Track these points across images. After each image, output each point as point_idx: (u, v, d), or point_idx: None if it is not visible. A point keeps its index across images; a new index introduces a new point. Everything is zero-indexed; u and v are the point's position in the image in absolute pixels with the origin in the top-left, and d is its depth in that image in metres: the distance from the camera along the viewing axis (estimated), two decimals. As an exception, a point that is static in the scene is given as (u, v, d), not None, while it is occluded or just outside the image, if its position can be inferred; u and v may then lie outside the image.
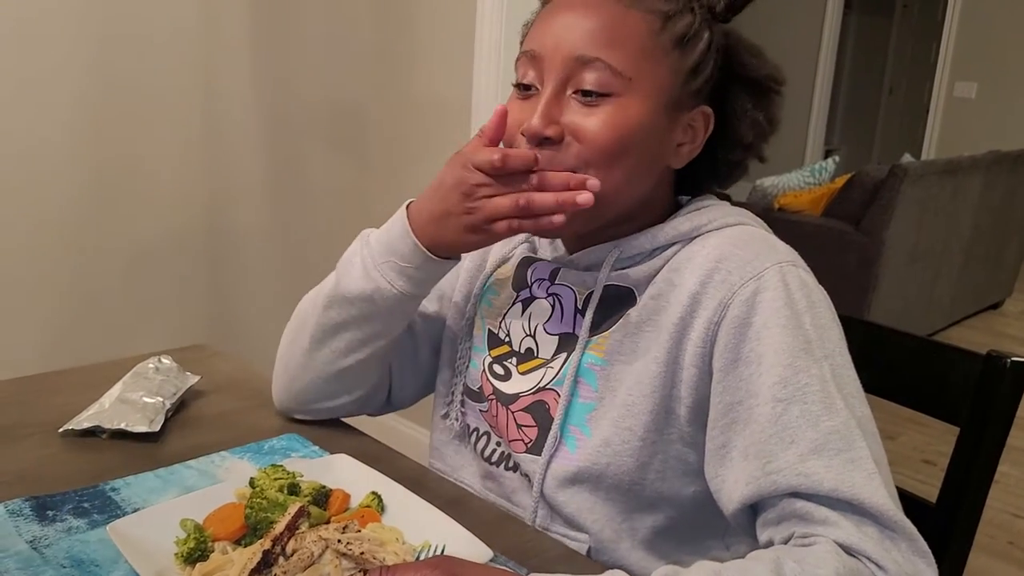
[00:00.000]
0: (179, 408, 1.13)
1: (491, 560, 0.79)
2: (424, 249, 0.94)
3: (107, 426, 1.04)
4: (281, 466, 0.90)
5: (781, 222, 3.65)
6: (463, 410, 1.06)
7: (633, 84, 0.87)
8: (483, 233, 0.90)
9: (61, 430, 1.04)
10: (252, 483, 0.87)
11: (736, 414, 0.84)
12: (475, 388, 1.04)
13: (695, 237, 0.93)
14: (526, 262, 1.04)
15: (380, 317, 0.99)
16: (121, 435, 1.04)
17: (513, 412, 0.99)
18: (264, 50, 2.34)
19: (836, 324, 0.87)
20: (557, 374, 0.96)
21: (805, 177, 4.22)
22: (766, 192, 4.10)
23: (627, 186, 0.91)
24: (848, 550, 0.74)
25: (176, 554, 0.78)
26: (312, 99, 2.46)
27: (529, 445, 0.97)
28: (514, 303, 1.03)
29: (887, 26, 8.56)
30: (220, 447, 1.03)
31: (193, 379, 1.17)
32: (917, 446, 3.13)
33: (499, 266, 1.07)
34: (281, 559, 0.75)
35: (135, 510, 0.88)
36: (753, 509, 0.83)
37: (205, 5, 2.18)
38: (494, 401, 1.01)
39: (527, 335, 1.00)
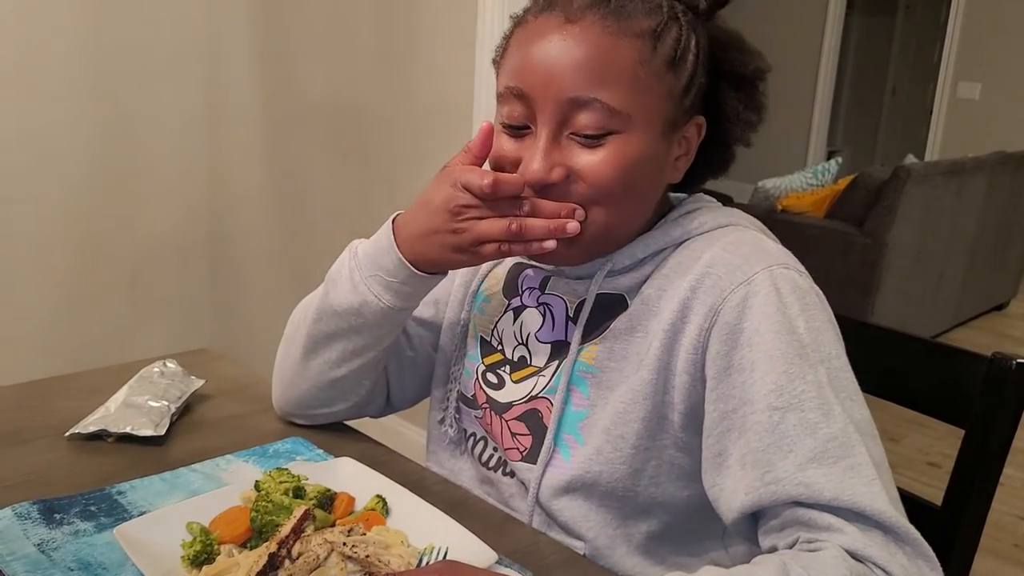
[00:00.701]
0: (184, 412, 1.13)
1: (496, 563, 0.79)
2: (409, 265, 0.93)
3: (113, 430, 1.04)
4: (286, 469, 0.90)
5: (784, 224, 3.65)
6: (458, 416, 1.06)
7: (631, 119, 0.85)
8: (470, 254, 0.89)
9: (67, 434, 1.04)
10: (257, 486, 0.87)
11: (731, 422, 0.83)
12: (469, 395, 1.04)
13: (684, 241, 0.92)
14: (517, 268, 1.03)
15: (369, 329, 0.99)
16: (127, 439, 1.04)
17: (507, 421, 0.99)
18: (266, 53, 2.34)
19: (832, 326, 0.86)
20: (549, 382, 0.96)
21: (808, 179, 4.22)
22: (768, 194, 4.10)
23: (633, 215, 0.91)
24: (854, 556, 0.74)
25: (182, 557, 0.78)
26: (314, 101, 2.46)
27: (524, 453, 0.97)
28: (505, 311, 1.02)
29: (890, 27, 8.55)
30: (225, 451, 1.03)
31: (198, 383, 1.18)
32: (921, 448, 3.13)
33: (490, 270, 1.06)
34: (287, 562, 0.75)
35: (141, 513, 0.88)
36: (753, 516, 0.83)
37: (208, 8, 2.19)
38: (487, 410, 1.01)
39: (520, 343, 1.00)
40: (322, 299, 1.01)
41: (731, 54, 0.92)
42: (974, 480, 0.97)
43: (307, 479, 0.90)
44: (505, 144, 0.89)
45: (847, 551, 0.74)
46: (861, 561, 0.74)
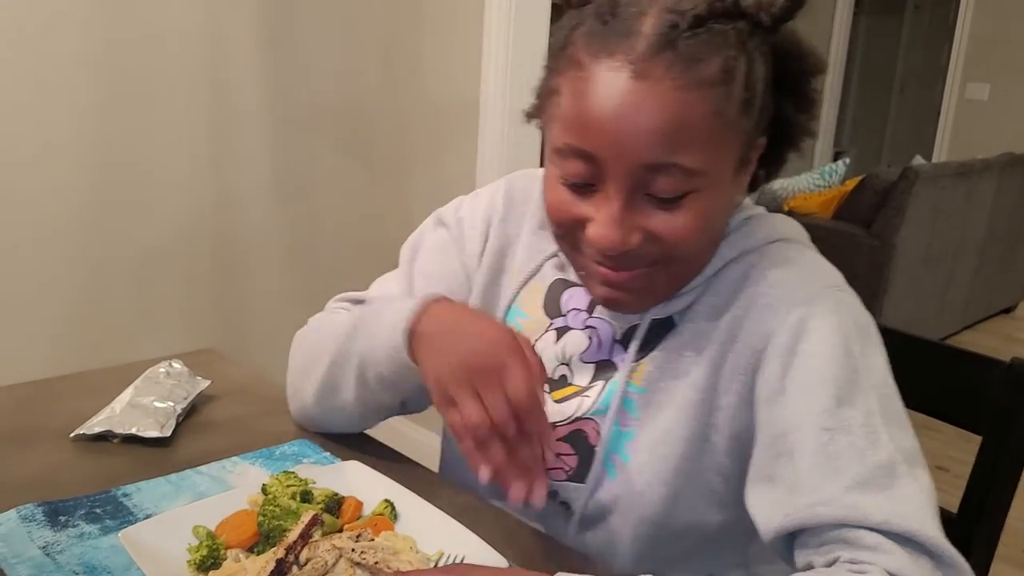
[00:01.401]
0: (190, 413, 1.12)
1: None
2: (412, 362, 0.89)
3: (118, 431, 1.03)
4: (293, 473, 0.89)
5: (792, 225, 3.63)
6: None
7: (709, 175, 0.80)
8: (449, 423, 0.82)
9: (72, 435, 1.03)
10: (264, 490, 0.87)
11: (782, 446, 0.79)
12: None
13: (737, 258, 0.89)
14: (560, 285, 0.99)
15: (370, 410, 1.00)
16: (132, 440, 1.03)
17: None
18: (271, 52, 2.33)
19: (883, 351, 0.84)
20: (595, 403, 0.93)
21: (815, 180, 4.20)
22: (775, 195, 4.08)
23: (707, 258, 0.88)
24: None
25: (188, 561, 0.77)
26: (320, 101, 2.46)
27: (570, 473, 0.94)
28: (547, 330, 0.98)
29: (898, 27, 8.52)
30: (231, 452, 1.02)
31: (204, 384, 1.17)
32: (930, 451, 3.08)
33: (523, 285, 1.01)
34: (295, 568, 0.74)
35: (147, 516, 0.87)
36: (789, 535, 0.79)
37: (211, 6, 2.18)
38: None
39: (561, 363, 0.97)
40: (328, 370, 1.00)
41: (790, 62, 0.86)
42: (991, 488, 0.95)
43: (314, 483, 0.89)
44: (567, 199, 0.83)
45: (893, 574, 0.71)
46: None
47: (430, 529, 0.84)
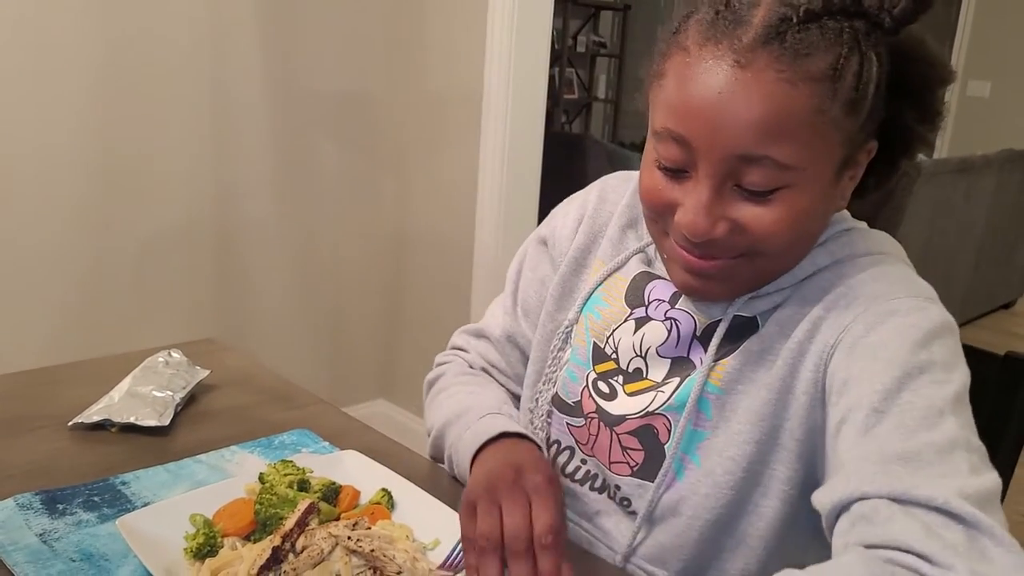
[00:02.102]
0: (189, 402, 1.13)
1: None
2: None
3: (117, 420, 1.03)
4: (291, 462, 0.90)
5: (792, 220, 3.63)
6: (548, 421, 1.00)
7: (804, 172, 0.77)
8: (462, 531, 0.78)
9: (70, 423, 1.04)
10: (262, 479, 0.87)
11: (841, 433, 0.75)
12: (571, 402, 0.98)
13: (828, 265, 0.86)
14: (644, 277, 0.96)
15: None
16: (131, 429, 1.04)
17: (618, 434, 0.94)
18: (273, 42, 2.33)
19: (965, 366, 0.78)
20: (668, 399, 0.91)
21: (816, 175, 4.20)
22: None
23: (799, 257, 0.86)
24: (910, 551, 0.65)
25: (185, 549, 0.78)
26: (321, 91, 2.46)
27: (635, 469, 0.92)
28: (626, 320, 0.96)
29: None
30: (230, 441, 1.03)
31: (203, 373, 1.17)
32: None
33: (609, 275, 0.99)
34: (291, 556, 0.74)
35: (144, 504, 0.87)
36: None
37: (216, -3, 2.18)
38: (595, 420, 0.96)
39: (637, 355, 0.94)
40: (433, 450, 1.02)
41: (914, 67, 0.81)
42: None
43: (312, 472, 0.89)
44: (660, 183, 0.83)
45: (899, 547, 0.65)
46: (923, 558, 0.64)
47: (427, 518, 0.84)
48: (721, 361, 0.88)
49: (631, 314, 0.95)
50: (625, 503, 0.93)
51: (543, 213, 1.34)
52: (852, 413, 0.75)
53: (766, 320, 0.87)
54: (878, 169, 0.88)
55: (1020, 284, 5.09)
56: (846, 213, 0.92)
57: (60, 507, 0.87)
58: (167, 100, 2.17)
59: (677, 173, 0.81)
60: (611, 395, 0.95)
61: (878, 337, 0.78)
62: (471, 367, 1.11)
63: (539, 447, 0.92)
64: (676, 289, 0.92)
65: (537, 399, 1.01)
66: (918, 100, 0.83)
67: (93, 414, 1.04)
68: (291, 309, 2.56)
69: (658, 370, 0.93)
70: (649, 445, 0.91)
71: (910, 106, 0.83)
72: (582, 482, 0.97)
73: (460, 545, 0.78)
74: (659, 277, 0.95)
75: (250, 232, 2.41)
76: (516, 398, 1.07)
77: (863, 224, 0.92)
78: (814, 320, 0.82)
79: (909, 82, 0.82)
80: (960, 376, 0.76)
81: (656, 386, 0.92)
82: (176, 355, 1.17)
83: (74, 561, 0.78)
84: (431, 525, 0.83)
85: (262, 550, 0.74)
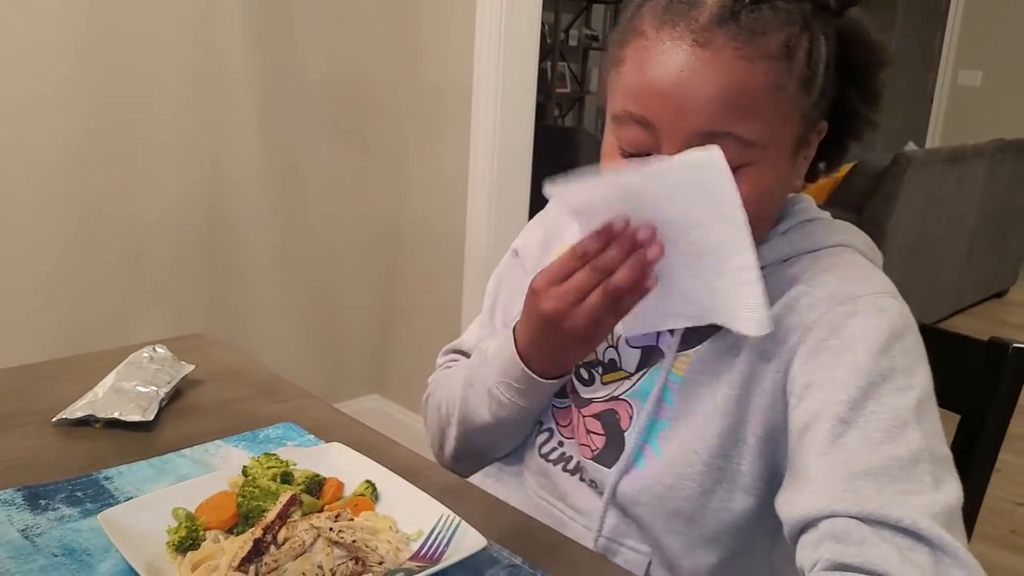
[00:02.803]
0: (174, 397, 1.12)
1: (485, 548, 0.78)
2: (536, 376, 0.93)
3: (101, 415, 1.03)
4: (274, 454, 0.89)
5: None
6: None
7: (765, 149, 0.80)
8: (603, 326, 0.84)
9: (54, 419, 1.03)
10: (244, 471, 0.86)
11: (805, 439, 0.77)
12: None
13: (791, 258, 0.88)
14: None
15: (509, 424, 1.00)
16: (115, 424, 1.03)
17: (584, 416, 0.96)
18: (265, 36, 2.32)
19: (926, 363, 0.81)
20: (634, 385, 0.93)
21: (808, 166, 4.19)
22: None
23: (759, 235, 0.85)
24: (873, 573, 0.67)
25: (167, 543, 0.77)
26: (312, 84, 2.45)
27: (595, 453, 0.94)
28: None
29: (891, 14, 8.51)
30: (215, 436, 1.02)
31: (188, 368, 1.17)
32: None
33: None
34: (272, 548, 0.74)
35: (128, 499, 0.87)
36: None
37: (204, -9, 2.17)
38: (571, 404, 0.99)
39: (610, 345, 0.96)
40: (462, 405, 1.01)
41: (855, 49, 0.85)
42: (970, 465, 0.96)
43: (296, 464, 0.89)
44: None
45: (874, 572, 0.67)
46: None
47: (411, 509, 0.84)
48: (688, 352, 0.89)
49: None
50: (593, 484, 0.95)
51: (535, 206, 1.34)
52: (817, 421, 0.76)
53: None
54: (828, 151, 0.90)
55: (1012, 273, 5.10)
56: (811, 203, 0.94)
57: (43, 503, 0.86)
58: (157, 93, 2.16)
59: (640, 158, 0.81)
60: (589, 381, 0.97)
61: (840, 342, 0.79)
62: None
63: None
64: None
65: None
66: (861, 82, 0.86)
67: (77, 410, 1.04)
68: (283, 304, 2.55)
69: (630, 360, 0.94)
70: (610, 430, 0.94)
71: (854, 88, 0.86)
72: (555, 462, 1.00)
73: (435, 536, 0.78)
74: None
75: (241, 226, 2.41)
76: None
77: (826, 214, 0.94)
78: (776, 318, 0.83)
79: (852, 64, 0.85)
80: (921, 379, 0.78)
81: (629, 375, 0.94)
82: (161, 350, 1.17)
83: (56, 556, 0.78)
84: (415, 516, 0.83)
85: (243, 542, 0.74)
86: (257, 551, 0.73)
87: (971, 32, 6.55)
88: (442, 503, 0.83)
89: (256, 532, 0.75)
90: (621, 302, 0.81)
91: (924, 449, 0.72)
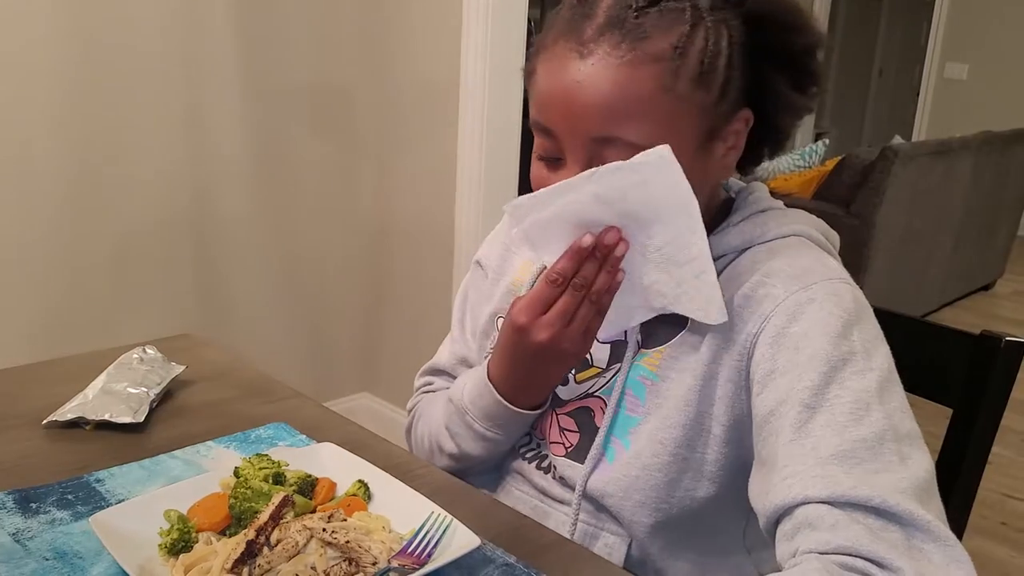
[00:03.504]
0: (164, 398, 1.12)
1: (479, 548, 0.78)
2: (521, 411, 0.96)
3: (91, 417, 1.03)
4: (266, 455, 0.89)
5: (772, 205, 3.63)
6: None
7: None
8: (588, 347, 0.89)
9: (45, 422, 1.03)
10: (236, 473, 0.86)
11: (770, 426, 0.79)
12: None
13: (746, 250, 0.90)
14: None
15: (501, 451, 1.02)
16: (105, 426, 1.03)
17: (558, 415, 0.98)
18: (249, 34, 2.31)
19: (885, 344, 0.82)
20: (607, 383, 0.95)
21: (795, 160, 4.21)
22: (755, 176, 4.08)
23: None
24: (859, 556, 0.68)
25: (160, 545, 0.77)
26: (298, 83, 2.44)
27: (569, 450, 0.96)
28: None
29: (877, 7, 8.54)
30: (206, 437, 1.02)
31: (178, 369, 1.16)
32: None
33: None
34: (265, 549, 0.74)
35: (120, 501, 0.87)
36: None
37: (189, -10, 2.16)
38: (547, 404, 1.00)
39: None
40: (450, 445, 1.03)
41: (772, 34, 0.85)
42: (963, 459, 0.96)
43: (288, 465, 0.89)
44: (542, 172, 0.88)
45: (849, 552, 0.68)
46: (872, 562, 0.67)
47: (404, 508, 0.84)
48: (658, 348, 0.91)
49: None
50: (563, 481, 0.97)
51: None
52: (782, 407, 0.78)
53: None
54: (764, 136, 0.91)
55: (999, 266, 5.13)
56: (764, 192, 0.97)
57: (33, 506, 0.86)
58: (142, 95, 2.15)
59: (553, 162, 0.86)
60: (564, 382, 0.98)
61: (799, 328, 0.81)
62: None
63: None
64: None
65: None
66: (786, 66, 0.86)
67: (67, 412, 1.03)
68: (272, 304, 2.55)
69: (601, 356, 0.96)
70: (584, 427, 0.95)
71: (779, 72, 0.86)
72: (530, 460, 1.01)
73: (423, 535, 0.78)
74: None
75: (229, 227, 2.40)
76: None
77: (779, 203, 0.96)
78: (735, 308, 0.85)
79: (770, 48, 0.85)
80: (880, 360, 0.80)
81: (602, 372, 0.96)
82: (151, 351, 1.16)
83: (47, 560, 0.77)
84: (408, 516, 0.83)
85: (236, 544, 0.74)
86: (250, 553, 0.73)
87: (957, 25, 6.57)
88: (435, 502, 0.83)
89: (249, 533, 0.74)
90: (602, 304, 0.85)
91: (888, 429, 0.74)
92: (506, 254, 1.10)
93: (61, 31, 1.99)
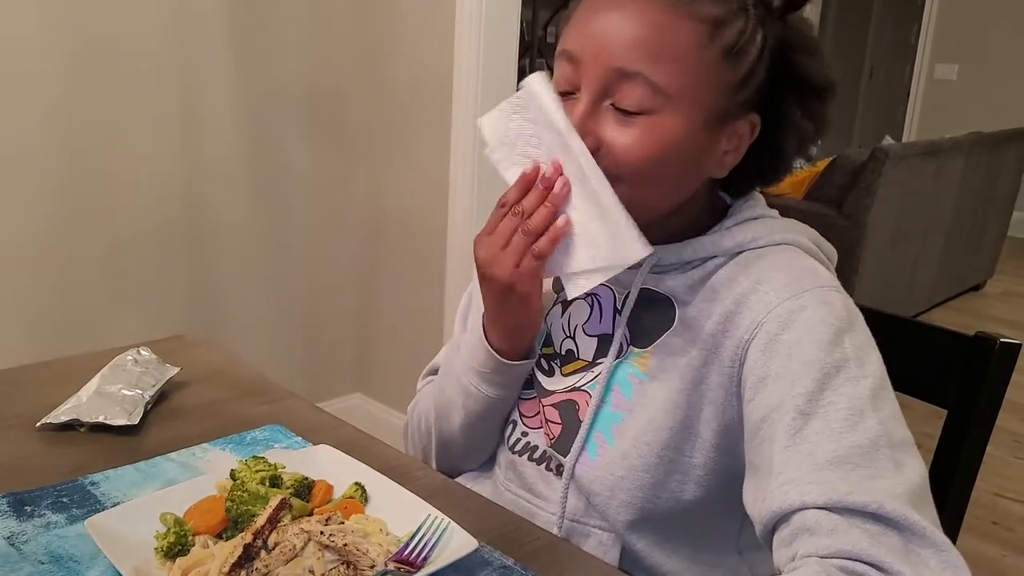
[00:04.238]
0: (159, 400, 1.11)
1: (476, 550, 0.78)
2: (496, 355, 0.96)
3: (85, 419, 1.02)
4: (263, 458, 0.89)
5: (764, 206, 3.64)
6: None
7: (673, 101, 0.82)
8: (532, 268, 0.87)
9: (39, 424, 1.02)
10: (233, 475, 0.86)
11: (763, 432, 0.79)
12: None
13: (737, 254, 0.90)
14: None
15: (479, 416, 1.02)
16: (100, 428, 1.02)
17: (545, 406, 0.99)
18: (241, 36, 2.31)
19: (876, 352, 0.83)
20: (595, 377, 0.95)
21: (787, 161, 4.21)
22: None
23: (660, 199, 0.89)
24: (859, 560, 0.68)
25: (156, 549, 0.77)
26: (291, 85, 2.44)
27: (552, 441, 0.97)
28: (555, 304, 1.02)
29: (867, 8, 8.56)
30: (201, 439, 1.02)
31: (173, 370, 1.16)
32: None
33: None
34: (263, 553, 0.74)
35: (115, 504, 0.86)
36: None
37: (182, -9, 2.15)
38: (536, 395, 1.01)
39: (567, 336, 0.99)
40: (437, 403, 1.06)
41: (800, 58, 0.88)
42: (958, 460, 0.96)
43: (284, 467, 0.89)
44: None
45: (849, 556, 0.68)
46: (871, 565, 0.67)
47: (402, 511, 0.84)
48: (648, 348, 0.92)
49: (558, 298, 1.02)
50: (551, 470, 0.98)
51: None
52: (775, 414, 0.78)
53: (680, 304, 0.91)
54: (764, 155, 0.92)
55: (989, 266, 5.15)
56: (759, 201, 0.96)
57: (28, 509, 0.85)
58: (136, 96, 2.14)
59: (568, 96, 0.86)
60: (550, 372, 1.00)
61: (792, 335, 0.81)
62: None
63: None
64: None
65: None
66: (803, 92, 0.89)
67: (61, 414, 1.03)
68: (265, 304, 2.54)
69: (588, 350, 0.97)
70: (567, 419, 0.96)
71: (794, 94, 0.89)
72: (520, 452, 1.02)
73: (420, 538, 0.78)
74: None
75: (222, 228, 2.39)
76: None
77: (774, 212, 0.96)
78: (726, 314, 0.86)
79: (794, 72, 0.88)
80: (872, 367, 0.80)
81: (588, 365, 0.97)
82: (145, 353, 1.16)
83: (43, 563, 0.77)
84: (405, 518, 0.83)
85: (233, 548, 0.73)
86: (247, 556, 0.73)
87: (947, 26, 6.60)
88: (432, 505, 0.83)
89: (246, 537, 0.74)
90: (540, 243, 0.85)
91: (882, 435, 0.74)
92: None
93: (55, 33, 1.98)
